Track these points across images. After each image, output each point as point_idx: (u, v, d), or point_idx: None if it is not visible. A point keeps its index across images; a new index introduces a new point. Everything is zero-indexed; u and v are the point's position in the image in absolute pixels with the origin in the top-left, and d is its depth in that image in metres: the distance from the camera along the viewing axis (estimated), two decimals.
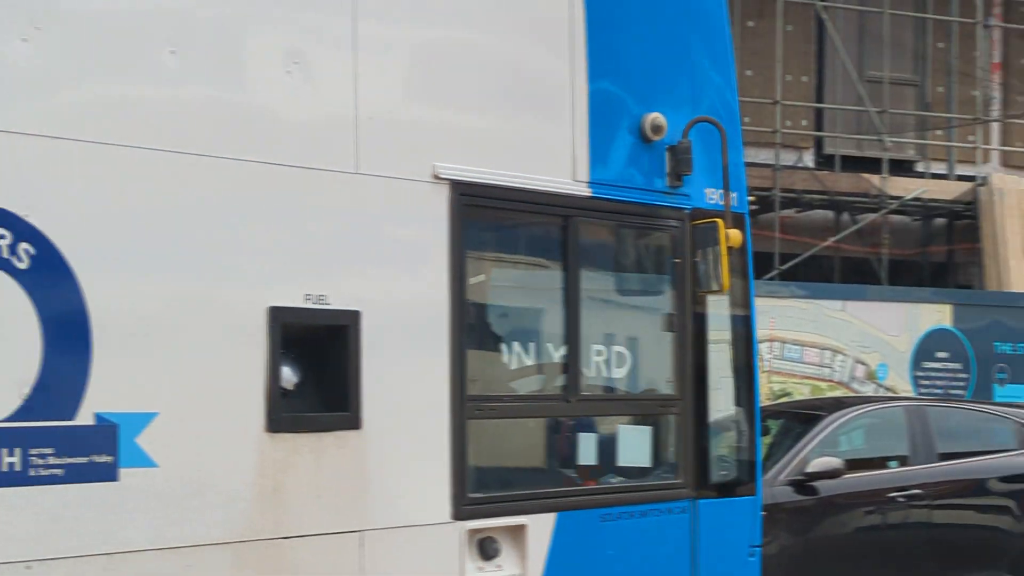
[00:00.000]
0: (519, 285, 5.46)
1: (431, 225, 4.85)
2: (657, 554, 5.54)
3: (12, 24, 3.95)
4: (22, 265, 3.91)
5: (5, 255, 3.89)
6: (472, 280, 5.01)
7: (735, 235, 5.56)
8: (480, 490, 4.96)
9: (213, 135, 4.31)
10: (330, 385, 4.58)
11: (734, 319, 5.90)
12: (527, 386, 5.36)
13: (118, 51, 4.16)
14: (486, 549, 4.96)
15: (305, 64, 4.56)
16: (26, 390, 3.90)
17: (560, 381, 5.31)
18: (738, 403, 5.93)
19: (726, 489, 5.80)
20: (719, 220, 5.55)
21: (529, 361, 5.31)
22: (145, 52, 4.20)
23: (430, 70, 4.94)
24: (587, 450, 5.48)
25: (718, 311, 5.81)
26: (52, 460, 3.94)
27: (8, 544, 3.85)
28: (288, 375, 4.47)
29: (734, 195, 5.64)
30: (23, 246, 3.92)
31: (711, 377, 5.76)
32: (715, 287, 5.55)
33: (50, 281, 3.95)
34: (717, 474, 5.77)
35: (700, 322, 5.71)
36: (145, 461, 4.12)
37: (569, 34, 5.31)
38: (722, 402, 5.84)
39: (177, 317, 4.22)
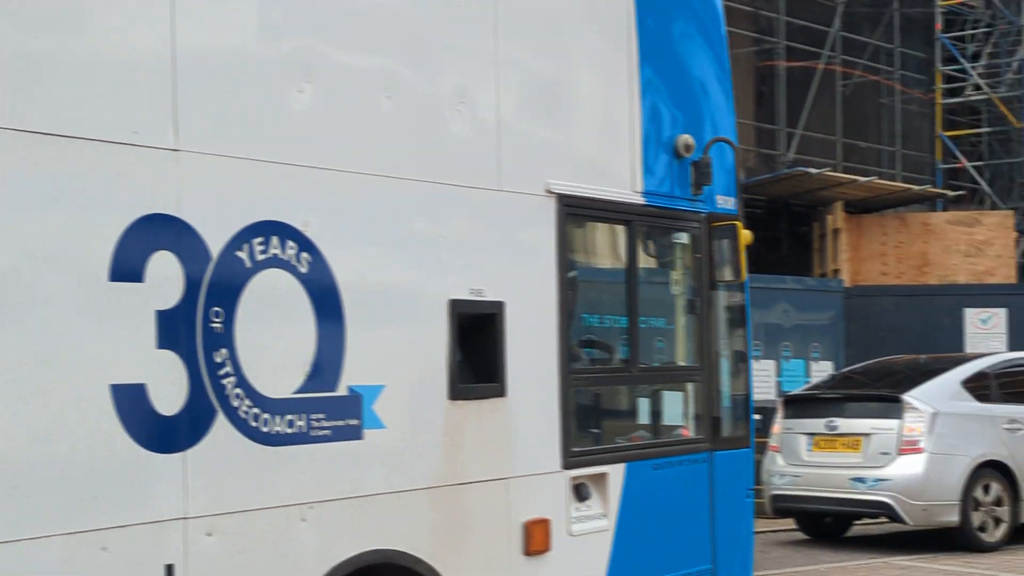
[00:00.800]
0: (596, 278, 6.63)
1: (544, 230, 5.99)
2: (687, 495, 6.81)
3: (289, 79, 4.93)
4: (303, 269, 4.90)
5: (293, 262, 4.87)
6: (569, 274, 6.17)
7: (748, 234, 6.88)
8: (577, 445, 6.14)
9: (418, 163, 5.37)
10: (484, 361, 5.68)
11: (735, 305, 7.21)
12: (601, 360, 6.55)
13: (357, 98, 5.17)
14: (581, 492, 6.14)
15: (468, 104, 5.64)
16: (307, 368, 4.91)
17: (624, 355, 6.52)
18: (738, 373, 7.25)
19: (731, 443, 7.12)
20: (738, 222, 6.85)
21: (604, 338, 6.51)
22: (372, 98, 5.23)
23: (542, 104, 6.07)
24: (643, 412, 6.71)
25: (725, 298, 7.11)
26: (324, 423, 4.95)
27: (298, 489, 4.84)
28: (459, 353, 5.56)
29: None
30: (304, 255, 4.91)
31: (721, 351, 7.06)
32: (732, 277, 6.85)
33: (320, 283, 4.95)
34: (726, 431, 7.08)
35: (713, 306, 7.00)
36: (378, 424, 5.16)
37: (629, 76, 6.51)
38: (728, 372, 7.14)
39: (394, 310, 5.26)
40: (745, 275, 6.90)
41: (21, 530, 4.02)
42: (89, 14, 4.33)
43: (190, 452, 4.50)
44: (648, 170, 6.59)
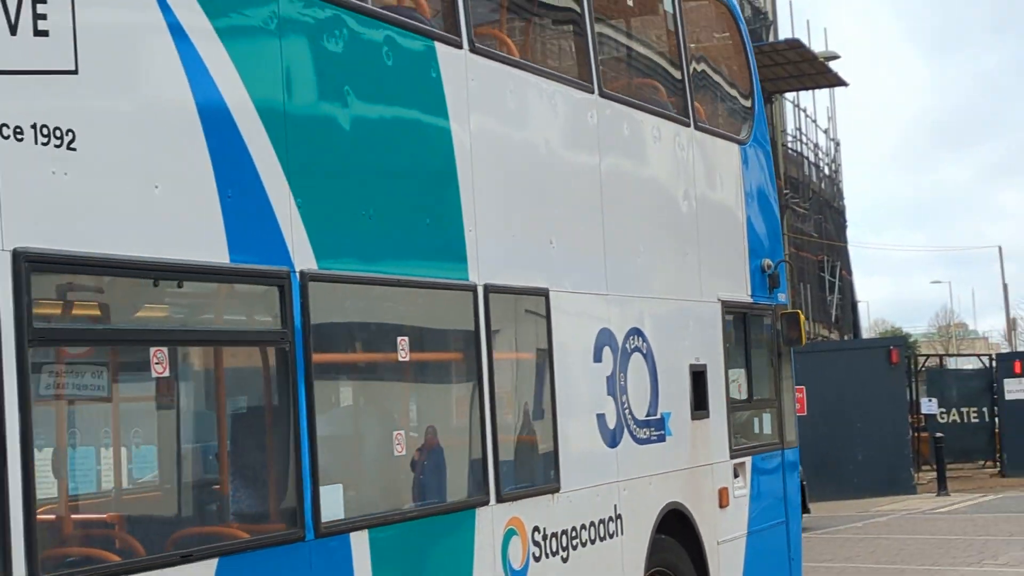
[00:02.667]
0: (735, 347, 11.10)
1: (717, 322, 10.47)
2: (773, 475, 11.36)
3: (655, 258, 9.33)
4: (644, 351, 9.27)
5: (642, 348, 9.24)
6: (726, 346, 10.65)
7: (803, 319, 11.53)
8: (734, 446, 10.61)
9: (676, 290, 9.81)
10: (701, 397, 10.09)
11: (789, 361, 11.82)
12: (735, 393, 11.04)
13: (664, 259, 9.58)
14: (736, 472, 10.62)
15: (691, 255, 10.09)
16: (648, 403, 9.27)
17: (746, 392, 11.05)
18: (790, 401, 11.86)
19: (790, 443, 11.71)
20: (800, 312, 11.50)
21: (738, 381, 11.00)
22: (673, 259, 9.65)
23: (711, 247, 10.55)
24: (755, 425, 11.25)
25: (782, 354, 11.70)
26: (654, 433, 9.32)
27: (649, 468, 9.18)
28: (692, 394, 9.98)
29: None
30: (644, 344, 9.28)
31: (783, 388, 11.66)
32: (798, 342, 11.48)
33: (650, 358, 9.33)
34: (788, 436, 11.67)
35: (780, 360, 11.60)
36: (670, 433, 9.55)
37: (742, 223, 11.07)
38: (787, 400, 11.74)
39: (671, 371, 9.66)
40: (805, 341, 11.53)
41: (582, 482, 8.30)
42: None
43: (617, 448, 8.84)
44: (751, 282, 11.15)
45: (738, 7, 11.49)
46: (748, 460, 10.79)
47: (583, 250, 8.62)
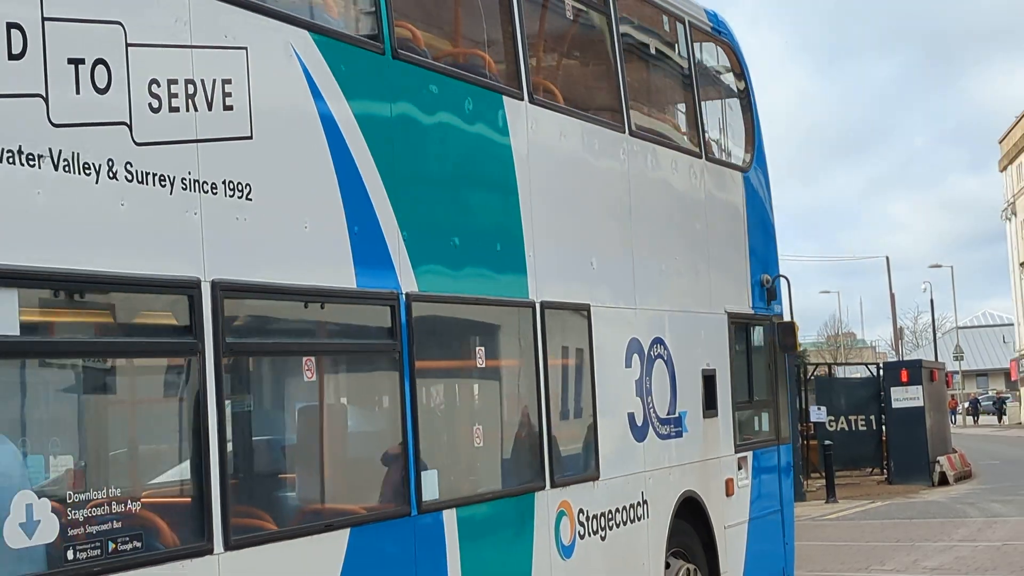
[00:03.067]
0: (739, 352, 12.40)
1: (724, 331, 11.77)
2: (770, 468, 12.69)
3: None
4: (665, 358, 10.56)
5: (663, 355, 10.53)
6: (733, 352, 11.96)
7: (797, 328, 12.86)
8: (738, 441, 11.92)
9: (693, 303, 11.11)
10: (711, 398, 11.41)
11: (785, 366, 13.15)
12: (742, 395, 12.31)
13: (686, 278, 10.89)
14: (740, 465, 11.93)
15: (703, 274, 11.40)
16: (668, 403, 10.57)
17: (747, 392, 12.36)
18: (785, 402, 13.19)
19: (784, 440, 13.05)
20: (795, 322, 12.83)
21: (741, 383, 12.30)
22: (690, 277, 10.95)
23: (720, 266, 11.86)
24: (754, 423, 12.57)
25: (778, 360, 13.03)
26: (673, 429, 10.61)
27: (670, 460, 10.48)
28: (703, 395, 11.30)
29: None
30: (665, 351, 10.57)
31: (779, 390, 12.98)
32: (792, 349, 12.81)
33: (669, 364, 10.62)
34: (783, 433, 13.00)
35: (777, 365, 12.93)
36: (686, 430, 10.85)
37: (744, 244, 12.40)
38: (782, 401, 13.07)
39: (686, 375, 10.97)
40: (800, 348, 12.84)
41: (616, 471, 9.59)
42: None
43: (644, 443, 10.13)
44: (752, 295, 12.47)
45: (741, 48, 12.82)
46: (749, 454, 12.10)
47: (616, 269, 9.91)
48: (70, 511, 5.12)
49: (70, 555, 5.08)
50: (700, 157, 11.48)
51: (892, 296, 65.25)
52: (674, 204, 11.08)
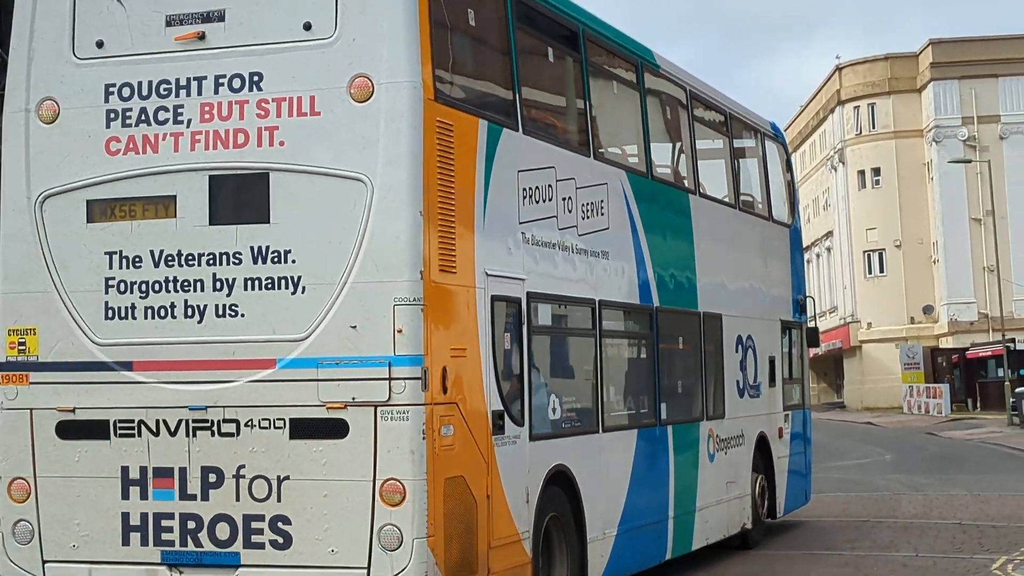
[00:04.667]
0: (788, 352, 18.73)
1: (778, 334, 18.19)
2: (800, 425, 19.14)
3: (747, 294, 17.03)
4: (751, 347, 16.97)
5: (751, 347, 16.94)
6: (786, 352, 18.36)
7: (819, 331, 19.37)
8: (785, 405, 18.33)
9: (758, 310, 17.54)
10: (770, 373, 17.82)
11: (807, 355, 19.62)
12: (788, 375, 18.69)
13: (758, 288, 17.32)
14: (786, 419, 18.35)
15: (764, 289, 17.83)
16: (752, 378, 17.00)
17: (788, 372, 18.79)
18: (806, 379, 19.64)
19: (807, 405, 19.52)
20: (817, 327, 19.34)
21: (786, 368, 18.69)
22: (752, 287, 17.37)
23: (776, 284, 18.28)
24: (793, 393, 19.01)
25: (804, 352, 19.48)
26: (753, 392, 16.99)
27: (752, 411, 16.88)
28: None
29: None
30: (751, 343, 16.98)
31: (804, 372, 19.45)
32: (816, 345, 19.32)
33: (753, 351, 17.02)
34: (807, 401, 19.47)
35: (803, 356, 19.40)
36: (760, 394, 17.25)
37: (791, 267, 18.86)
38: (806, 379, 19.52)
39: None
40: (820, 345, 19.30)
41: (731, 415, 15.99)
42: None
43: (743, 399, 16.51)
44: (792, 308, 18.92)
45: (786, 139, 19.32)
46: (790, 413, 18.54)
47: (733, 291, 16.29)
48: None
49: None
50: (768, 219, 17.91)
51: None
52: (757, 249, 17.50)
